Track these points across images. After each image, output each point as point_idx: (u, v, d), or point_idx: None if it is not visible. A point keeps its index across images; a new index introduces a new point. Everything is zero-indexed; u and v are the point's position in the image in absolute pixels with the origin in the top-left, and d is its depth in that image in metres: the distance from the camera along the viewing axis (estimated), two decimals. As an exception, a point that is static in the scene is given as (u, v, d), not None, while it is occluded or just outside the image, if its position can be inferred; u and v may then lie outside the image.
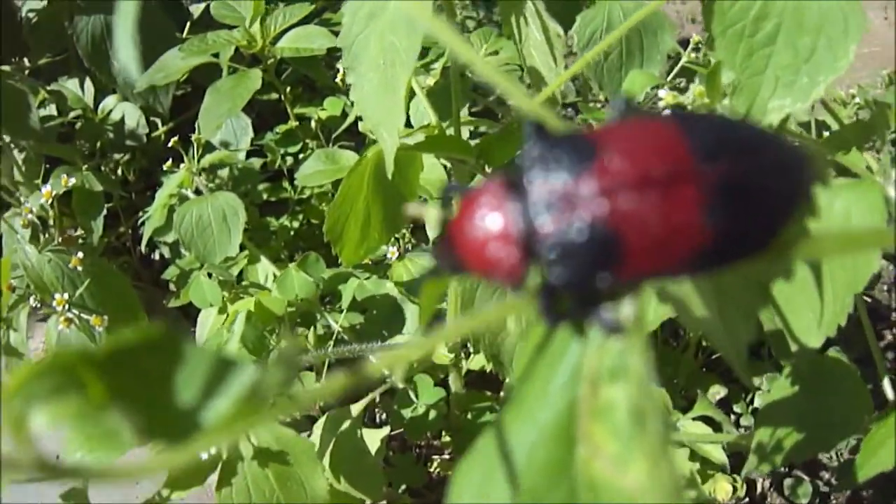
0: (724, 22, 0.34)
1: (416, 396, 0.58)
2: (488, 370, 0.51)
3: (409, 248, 0.64)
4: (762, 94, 0.35)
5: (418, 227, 0.66)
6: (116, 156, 0.83)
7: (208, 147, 0.75)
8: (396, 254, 0.61)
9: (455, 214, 0.19)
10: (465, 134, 0.61)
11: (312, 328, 0.58)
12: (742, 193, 0.17)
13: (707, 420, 0.57)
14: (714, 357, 0.71)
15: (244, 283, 0.62)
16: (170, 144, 0.69)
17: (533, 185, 0.18)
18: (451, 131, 0.48)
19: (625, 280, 0.18)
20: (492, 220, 0.18)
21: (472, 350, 0.54)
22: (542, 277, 0.18)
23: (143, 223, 0.73)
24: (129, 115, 0.81)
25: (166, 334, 0.17)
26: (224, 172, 0.75)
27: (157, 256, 0.83)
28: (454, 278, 0.40)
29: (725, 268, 0.18)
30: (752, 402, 0.69)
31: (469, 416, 0.60)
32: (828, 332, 0.36)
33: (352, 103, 0.40)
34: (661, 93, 0.41)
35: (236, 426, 0.16)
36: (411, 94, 0.55)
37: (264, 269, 0.62)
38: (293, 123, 0.81)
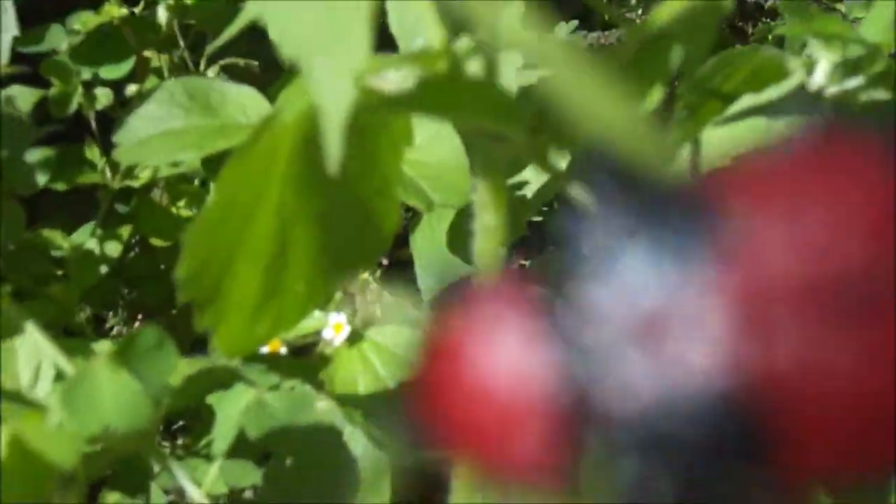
0: None
1: None
2: None
3: (378, 315, 0.56)
4: None
5: (400, 264, 0.56)
6: None
7: None
8: (346, 328, 0.51)
9: (439, 340, 0.18)
10: (514, 63, 0.45)
11: (143, 497, 0.48)
12: None
13: None
14: None
15: (-13, 388, 0.54)
16: None
17: (597, 296, 0.17)
18: (475, 65, 0.39)
19: (793, 485, 0.16)
20: (510, 365, 0.17)
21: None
22: (615, 483, 0.17)
23: None
24: None
25: None
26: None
27: None
28: (433, 463, 0.34)
29: None
30: None
31: None
32: None
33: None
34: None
35: None
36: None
37: (35, 354, 0.51)
38: (115, 10, 0.69)
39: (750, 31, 0.94)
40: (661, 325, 0.16)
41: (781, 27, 0.59)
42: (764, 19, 0.92)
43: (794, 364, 0.16)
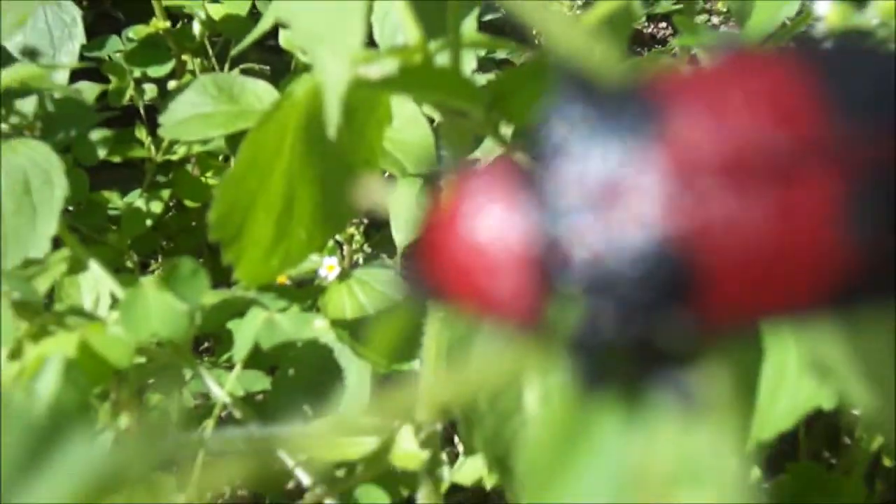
0: None
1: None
2: (488, 487, 0.48)
3: (360, 261, 0.61)
4: None
5: (378, 224, 0.62)
6: None
7: (1, 56, 0.70)
8: (336, 269, 0.57)
9: (437, 212, 0.20)
10: (470, 63, 0.56)
11: (178, 394, 0.54)
12: None
13: None
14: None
15: (58, 306, 0.56)
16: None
17: (561, 172, 0.18)
18: (443, 58, 0.44)
19: (711, 325, 0.18)
20: (495, 226, 0.19)
21: (461, 446, 0.53)
22: (573, 318, 0.19)
23: None
24: None
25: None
26: (28, 105, 0.68)
27: None
28: (432, 314, 0.41)
29: (888, 307, 0.18)
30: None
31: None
32: None
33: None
34: (821, 5, 0.40)
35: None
36: (375, -14, 0.51)
37: (96, 283, 0.57)
38: (160, 24, 0.76)
39: (644, 55, 1.02)
40: (611, 193, 0.18)
41: (677, 39, 0.62)
42: (656, 46, 0.99)
43: (715, 221, 0.18)
